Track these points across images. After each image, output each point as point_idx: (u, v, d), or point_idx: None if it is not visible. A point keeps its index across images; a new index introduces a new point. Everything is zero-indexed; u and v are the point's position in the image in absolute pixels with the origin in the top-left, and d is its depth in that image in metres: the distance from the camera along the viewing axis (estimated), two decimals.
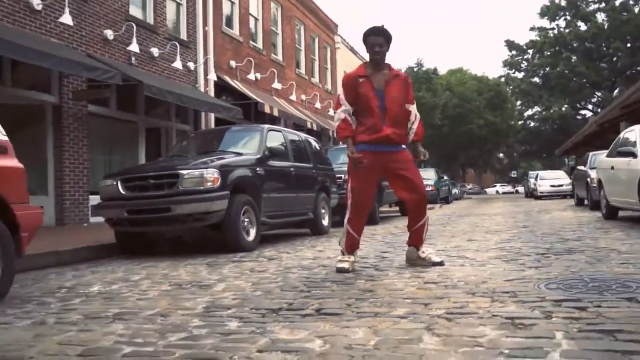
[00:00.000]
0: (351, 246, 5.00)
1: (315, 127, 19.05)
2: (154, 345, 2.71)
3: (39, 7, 9.96)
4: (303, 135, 10.37)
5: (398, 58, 64.41)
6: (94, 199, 10.80)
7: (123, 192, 7.13)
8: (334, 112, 5.09)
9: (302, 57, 22.49)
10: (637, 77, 41.02)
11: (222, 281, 4.68)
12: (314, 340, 2.66)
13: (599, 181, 10.17)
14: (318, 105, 22.49)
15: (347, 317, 3.11)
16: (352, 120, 4.93)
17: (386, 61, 5.05)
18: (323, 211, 9.78)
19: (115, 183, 7.20)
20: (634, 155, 8.05)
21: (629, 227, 7.83)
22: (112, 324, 3.20)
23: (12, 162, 4.16)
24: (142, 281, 4.87)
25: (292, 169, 8.83)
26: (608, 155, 9.77)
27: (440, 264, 4.89)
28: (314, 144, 10.52)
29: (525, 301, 3.27)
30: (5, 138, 4.17)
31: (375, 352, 2.44)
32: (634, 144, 8.30)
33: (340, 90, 5.09)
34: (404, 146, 5.00)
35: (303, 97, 21.52)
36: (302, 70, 22.29)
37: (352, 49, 29.43)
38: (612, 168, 9.08)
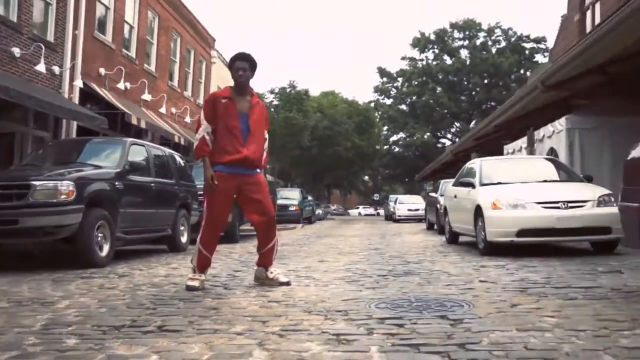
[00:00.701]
0: (203, 265, 5.13)
1: (183, 142, 18.83)
2: None
3: None
4: (167, 151, 10.31)
5: (273, 78, 65.08)
6: None
7: None
8: (196, 130, 5.20)
9: (176, 69, 22.18)
10: (491, 112, 44.63)
11: (66, 298, 4.60)
12: (150, 356, 2.78)
13: (445, 208, 11.04)
14: (188, 119, 22.24)
15: (187, 334, 3.24)
16: (210, 139, 5.07)
17: (250, 87, 5.32)
18: (182, 228, 9.78)
19: None
20: (472, 185, 8.89)
21: (465, 252, 8.61)
22: None
23: None
24: None
25: (152, 184, 8.77)
26: (453, 185, 10.65)
27: (287, 284, 5.14)
28: (178, 159, 10.50)
29: (354, 319, 3.59)
30: None
31: None
32: (473, 176, 9.16)
33: (202, 109, 5.22)
34: (259, 170, 5.24)
35: (173, 110, 21.20)
36: (175, 82, 21.99)
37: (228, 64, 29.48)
38: (455, 196, 9.93)
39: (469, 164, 10.43)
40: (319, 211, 33.57)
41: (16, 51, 12.33)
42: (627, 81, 12.08)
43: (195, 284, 4.96)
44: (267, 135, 5.36)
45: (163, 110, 19.63)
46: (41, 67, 13.01)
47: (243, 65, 5.13)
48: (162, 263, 7.51)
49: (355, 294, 4.60)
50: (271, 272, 5.23)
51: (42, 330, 3.41)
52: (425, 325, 3.37)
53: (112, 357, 2.78)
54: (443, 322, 3.45)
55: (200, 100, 25.09)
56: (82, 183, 6.95)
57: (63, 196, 6.65)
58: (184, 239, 9.74)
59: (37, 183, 6.66)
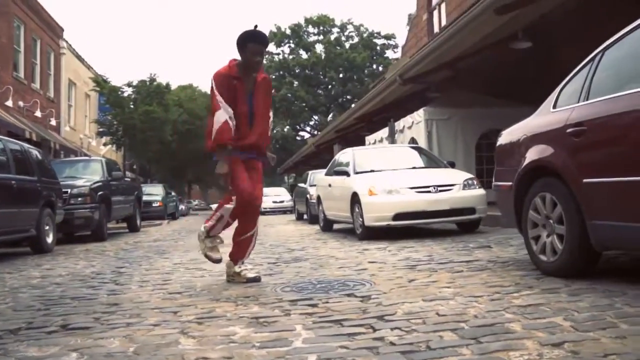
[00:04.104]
0: (217, 231, 4.72)
1: (34, 137, 17.50)
2: None
3: None
4: (26, 145, 9.58)
5: (130, 71, 62.30)
6: None
7: None
8: (212, 114, 4.46)
9: (21, 60, 20.51)
10: (347, 105, 46.30)
11: None
12: (69, 354, 2.63)
13: (318, 197, 11.31)
14: (38, 113, 20.68)
15: (98, 330, 3.10)
16: (233, 125, 4.45)
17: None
18: (47, 227, 9.14)
19: None
20: (347, 174, 9.21)
21: (342, 238, 8.90)
22: None
23: None
24: None
25: (13, 181, 8.12)
26: (326, 174, 10.94)
27: (256, 279, 4.58)
28: (37, 154, 9.79)
29: (266, 303, 3.63)
30: None
31: (136, 357, 2.53)
32: (347, 165, 9.50)
33: (214, 89, 4.45)
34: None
35: (21, 103, 19.62)
36: (21, 74, 20.33)
37: (79, 57, 27.76)
38: (330, 185, 10.21)
39: (340, 154, 10.78)
40: (181, 207, 32.82)
41: None
42: (471, 76, 13.26)
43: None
44: (270, 113, 4.81)
45: (9, 103, 18.11)
46: None
47: (261, 49, 4.53)
48: (32, 265, 6.99)
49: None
50: (239, 267, 4.68)
51: None
52: (337, 303, 3.49)
53: (25, 359, 2.60)
54: (353, 299, 3.60)
55: (51, 94, 23.46)
56: None
57: None
58: (49, 239, 9.10)
59: None
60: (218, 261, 4.76)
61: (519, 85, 13.43)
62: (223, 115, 4.39)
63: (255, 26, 4.56)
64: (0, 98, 17.75)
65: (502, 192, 4.82)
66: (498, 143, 5.09)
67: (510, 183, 4.55)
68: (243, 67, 4.53)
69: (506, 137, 4.96)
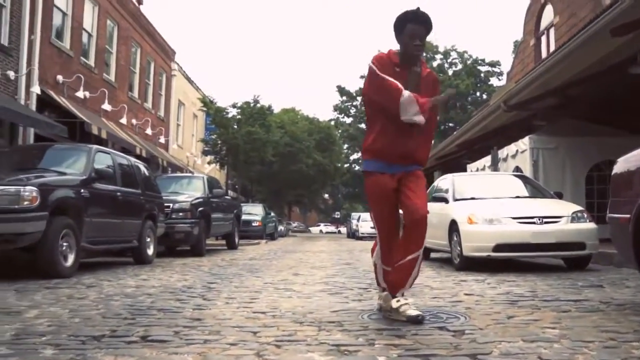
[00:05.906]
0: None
1: (144, 154, 18.36)
2: None
3: None
4: (133, 160, 9.99)
5: (235, 93, 64.75)
6: None
7: None
8: (393, 101, 3.60)
9: (136, 80, 21.72)
10: (449, 132, 45.45)
11: (34, 308, 4.30)
12: None
13: None
14: (149, 131, 21.77)
15: (175, 344, 3.02)
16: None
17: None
18: (148, 240, 9.44)
19: None
20: (446, 200, 8.84)
21: (438, 267, 8.52)
22: None
23: None
24: None
25: (119, 193, 8.45)
26: None
27: (417, 320, 3.57)
28: (144, 169, 10.18)
29: (350, 330, 3.42)
30: None
31: None
32: (446, 191, 9.12)
33: (377, 72, 3.67)
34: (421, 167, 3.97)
35: (134, 121, 20.72)
36: (135, 93, 21.51)
37: (188, 78, 29.07)
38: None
39: (440, 180, 10.41)
40: (281, 227, 33.24)
41: None
42: (581, 104, 12.48)
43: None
44: (437, 118, 4.00)
45: (123, 121, 19.14)
46: None
47: (422, 32, 3.67)
48: (130, 274, 7.17)
49: (343, 306, 4.43)
50: (398, 300, 3.74)
51: (14, 340, 3.13)
52: (426, 336, 3.22)
53: None
54: (444, 333, 3.31)
55: (161, 113, 24.62)
56: (46, 189, 6.61)
57: (26, 202, 6.30)
58: (150, 251, 9.39)
59: None
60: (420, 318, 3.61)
61: (636, 113, 12.50)
62: (408, 93, 3.59)
63: (418, 8, 3.74)
64: (116, 115, 18.81)
65: (618, 225, 4.35)
66: (614, 172, 4.62)
67: (628, 215, 4.09)
68: (402, 56, 3.74)
69: (623, 164, 4.49)
